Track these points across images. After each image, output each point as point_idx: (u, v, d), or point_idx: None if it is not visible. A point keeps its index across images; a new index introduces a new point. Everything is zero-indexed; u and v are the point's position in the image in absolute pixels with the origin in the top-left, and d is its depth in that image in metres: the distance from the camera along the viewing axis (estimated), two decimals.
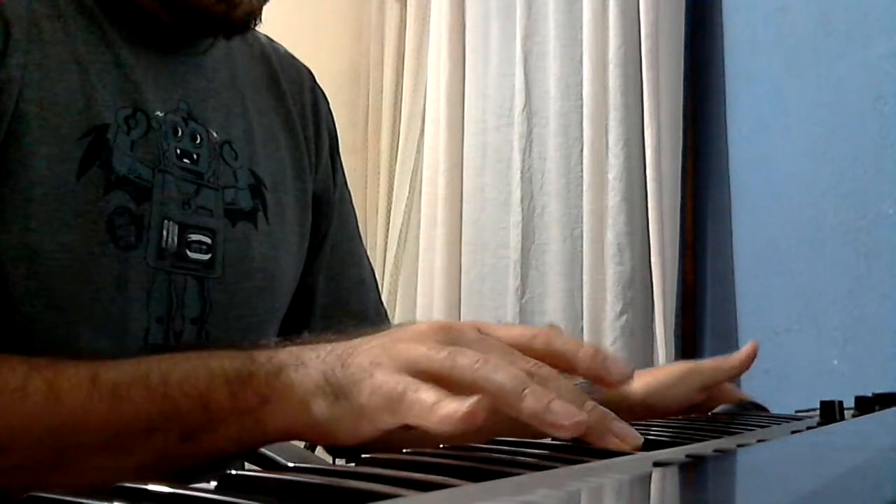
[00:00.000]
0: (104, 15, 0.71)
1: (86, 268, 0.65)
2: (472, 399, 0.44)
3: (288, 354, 0.53)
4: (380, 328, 0.56)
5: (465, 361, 0.47)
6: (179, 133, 0.72)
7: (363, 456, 0.38)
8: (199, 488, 0.30)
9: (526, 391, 0.45)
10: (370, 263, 0.94)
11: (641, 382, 0.85)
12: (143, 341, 0.67)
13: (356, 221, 0.93)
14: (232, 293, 0.73)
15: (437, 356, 0.48)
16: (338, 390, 0.49)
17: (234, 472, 0.32)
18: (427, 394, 0.46)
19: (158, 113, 0.71)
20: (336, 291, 0.88)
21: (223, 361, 0.53)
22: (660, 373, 0.89)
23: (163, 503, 0.30)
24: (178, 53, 0.75)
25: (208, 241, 0.72)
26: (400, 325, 0.57)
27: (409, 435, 0.48)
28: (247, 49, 0.85)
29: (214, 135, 0.75)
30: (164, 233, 0.69)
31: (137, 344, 0.67)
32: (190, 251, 0.70)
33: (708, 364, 0.89)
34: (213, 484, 0.32)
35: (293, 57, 0.91)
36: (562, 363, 0.52)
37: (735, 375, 0.89)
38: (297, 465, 0.35)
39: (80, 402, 0.52)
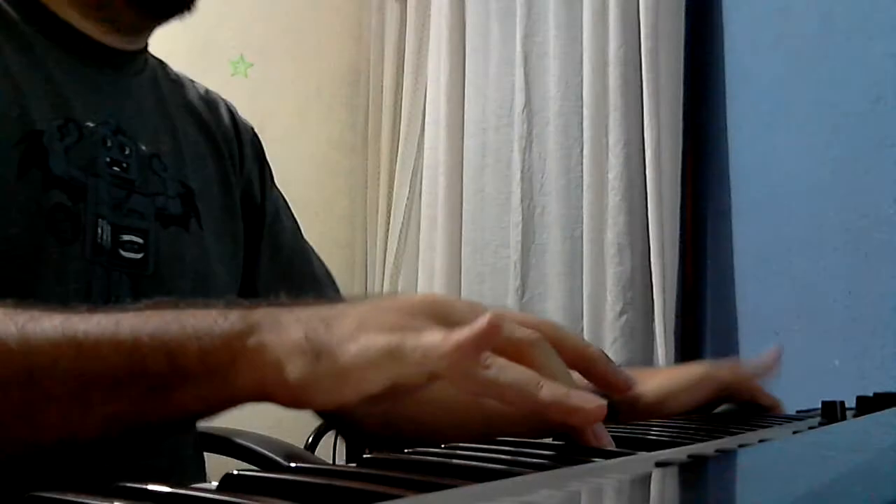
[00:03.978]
0: (36, 36, 0.76)
1: (28, 259, 0.69)
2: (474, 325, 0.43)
3: (264, 314, 0.51)
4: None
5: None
6: (108, 144, 0.78)
7: (365, 456, 0.38)
8: (200, 488, 0.30)
9: (541, 383, 0.44)
10: (323, 265, 0.99)
11: (655, 383, 0.83)
12: None
13: (300, 234, 0.99)
14: (165, 291, 0.77)
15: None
16: (319, 350, 0.47)
17: (235, 472, 0.32)
18: (431, 335, 0.45)
19: (89, 124, 0.76)
20: (283, 278, 0.93)
21: (196, 318, 0.51)
22: (675, 374, 0.86)
23: (163, 503, 0.30)
24: (107, 75, 0.81)
25: (140, 241, 0.77)
26: (386, 296, 0.56)
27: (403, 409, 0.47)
28: (170, 84, 0.92)
29: (143, 148, 0.81)
30: (99, 230, 0.74)
31: None
32: (123, 250, 0.75)
33: (724, 372, 0.86)
34: (215, 484, 0.32)
35: (212, 92, 0.98)
36: (572, 359, 0.51)
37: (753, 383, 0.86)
38: (298, 465, 0.35)
39: (47, 350, 0.50)
